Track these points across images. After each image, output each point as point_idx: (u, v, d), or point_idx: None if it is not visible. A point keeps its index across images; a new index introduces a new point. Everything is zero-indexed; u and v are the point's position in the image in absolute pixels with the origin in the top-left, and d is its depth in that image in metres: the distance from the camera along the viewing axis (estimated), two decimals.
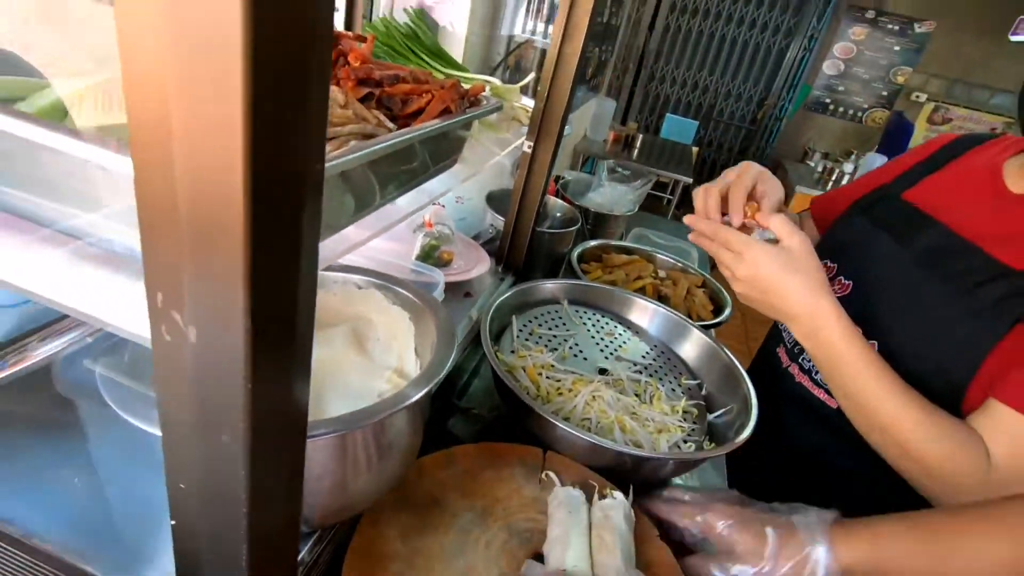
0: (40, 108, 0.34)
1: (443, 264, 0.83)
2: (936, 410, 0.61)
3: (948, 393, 0.64)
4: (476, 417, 0.80)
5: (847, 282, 0.78)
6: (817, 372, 0.77)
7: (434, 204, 0.88)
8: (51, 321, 0.62)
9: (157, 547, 0.43)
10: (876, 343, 0.69)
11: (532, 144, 0.87)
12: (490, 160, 0.72)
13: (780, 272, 0.63)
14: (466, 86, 0.65)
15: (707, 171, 5.33)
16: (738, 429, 0.71)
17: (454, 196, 1.13)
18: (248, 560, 0.32)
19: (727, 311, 1.03)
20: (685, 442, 0.72)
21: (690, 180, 3.38)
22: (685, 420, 0.75)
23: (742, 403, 0.76)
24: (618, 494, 0.59)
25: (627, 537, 0.55)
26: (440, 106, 0.56)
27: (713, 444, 0.74)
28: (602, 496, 0.59)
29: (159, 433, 0.38)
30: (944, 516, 0.53)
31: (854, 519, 0.54)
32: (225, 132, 0.19)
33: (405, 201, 0.56)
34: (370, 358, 0.56)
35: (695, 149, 4.22)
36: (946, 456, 0.59)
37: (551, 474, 0.62)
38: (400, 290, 0.58)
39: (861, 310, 0.70)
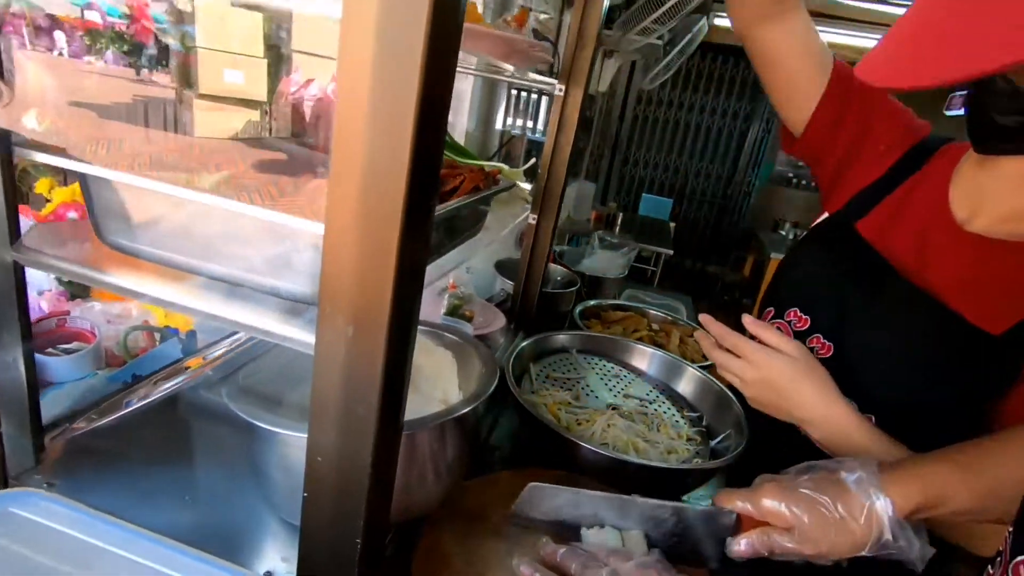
0: (212, 184, 0.47)
1: (466, 320, 0.95)
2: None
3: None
4: (504, 457, 0.88)
5: (827, 343, 0.76)
6: None
7: (464, 265, 1.01)
8: (126, 386, 0.72)
9: (263, 538, 0.52)
10: (872, 418, 0.68)
11: (536, 217, 1.02)
12: (506, 229, 0.86)
13: (791, 378, 0.66)
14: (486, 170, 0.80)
15: (685, 245, 5.60)
16: (734, 449, 0.80)
17: (464, 267, 1.27)
18: (364, 525, 0.41)
19: None
20: (692, 461, 0.81)
21: (671, 252, 3.59)
22: (690, 444, 0.85)
23: (736, 427, 0.86)
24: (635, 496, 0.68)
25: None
26: (471, 185, 0.70)
27: None
28: None
29: (277, 430, 0.48)
30: (973, 449, 0.56)
31: (894, 463, 0.55)
32: (384, 247, 0.32)
33: (445, 261, 0.69)
34: (420, 392, 0.66)
35: (672, 224, 4.50)
36: None
37: None
38: (444, 334, 0.70)
39: (848, 379, 0.69)
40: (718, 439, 0.88)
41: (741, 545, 0.53)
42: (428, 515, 0.61)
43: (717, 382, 0.95)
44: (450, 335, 0.69)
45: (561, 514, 0.56)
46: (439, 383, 0.67)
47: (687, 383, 0.99)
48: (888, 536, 0.50)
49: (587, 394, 0.92)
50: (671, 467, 0.73)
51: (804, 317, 0.81)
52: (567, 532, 0.57)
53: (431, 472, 0.55)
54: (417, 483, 0.55)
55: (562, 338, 1.01)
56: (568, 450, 0.74)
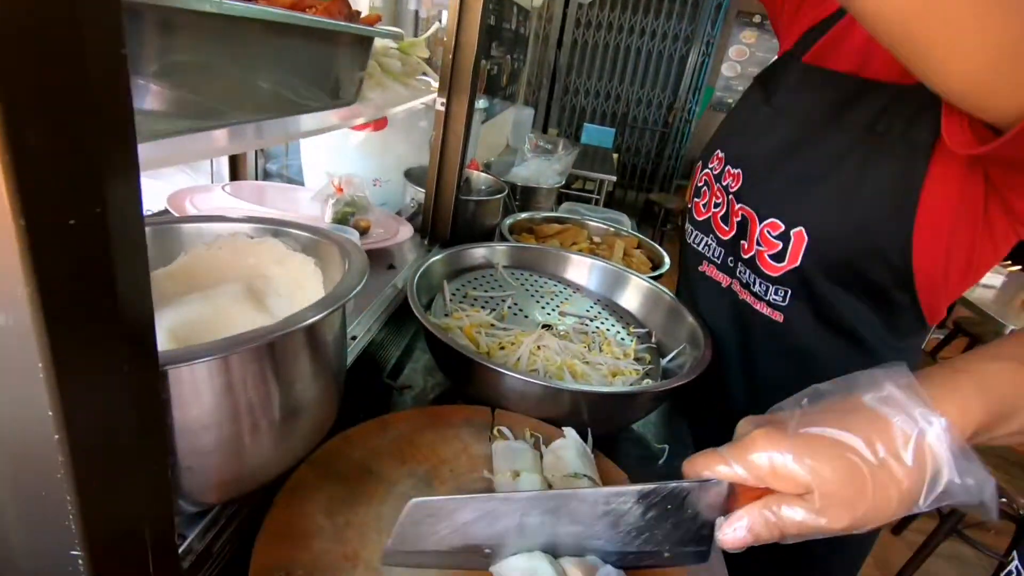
0: None
1: (360, 233, 0.75)
2: None
3: (889, 276, 0.59)
4: (415, 398, 0.72)
5: (735, 171, 0.69)
6: (756, 284, 0.69)
7: (372, 179, 0.80)
8: None
9: None
10: (804, 229, 0.61)
11: (444, 101, 0.81)
12: (396, 104, 0.66)
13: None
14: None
15: (628, 174, 5.49)
16: (693, 364, 0.66)
17: (371, 180, 1.06)
18: (85, 525, 0.23)
19: (666, 265, 1.01)
20: (642, 383, 0.67)
21: (614, 178, 3.44)
22: (639, 364, 0.71)
23: (691, 341, 0.72)
24: (569, 431, 0.53)
25: (587, 473, 0.49)
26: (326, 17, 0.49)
27: None
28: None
29: None
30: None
31: (930, 369, 0.38)
32: None
33: (298, 126, 0.48)
34: (271, 314, 0.47)
35: (615, 155, 4.34)
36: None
37: (503, 429, 0.55)
38: (300, 233, 0.50)
39: (759, 203, 0.64)
40: (670, 356, 0.74)
41: (737, 531, 0.34)
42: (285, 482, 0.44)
43: (667, 292, 0.81)
44: (310, 234, 0.50)
45: (468, 537, 0.35)
46: (298, 298, 0.48)
47: (633, 296, 0.84)
48: (952, 476, 0.32)
49: (515, 314, 0.76)
50: (616, 391, 0.59)
51: (720, 156, 0.73)
52: (473, 559, 0.37)
53: (273, 416, 0.37)
54: (250, 435, 0.37)
55: (483, 251, 0.83)
56: (488, 381, 0.58)
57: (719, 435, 0.69)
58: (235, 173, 0.96)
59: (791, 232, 0.62)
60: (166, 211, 0.77)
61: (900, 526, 2.08)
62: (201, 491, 0.35)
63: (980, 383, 0.36)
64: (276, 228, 0.50)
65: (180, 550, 0.34)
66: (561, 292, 0.83)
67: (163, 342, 0.40)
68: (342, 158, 1.04)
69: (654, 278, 0.96)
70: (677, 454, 0.68)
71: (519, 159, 1.24)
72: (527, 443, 0.53)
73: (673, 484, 0.35)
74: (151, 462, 0.27)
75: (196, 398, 0.33)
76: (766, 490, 0.34)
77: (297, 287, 0.49)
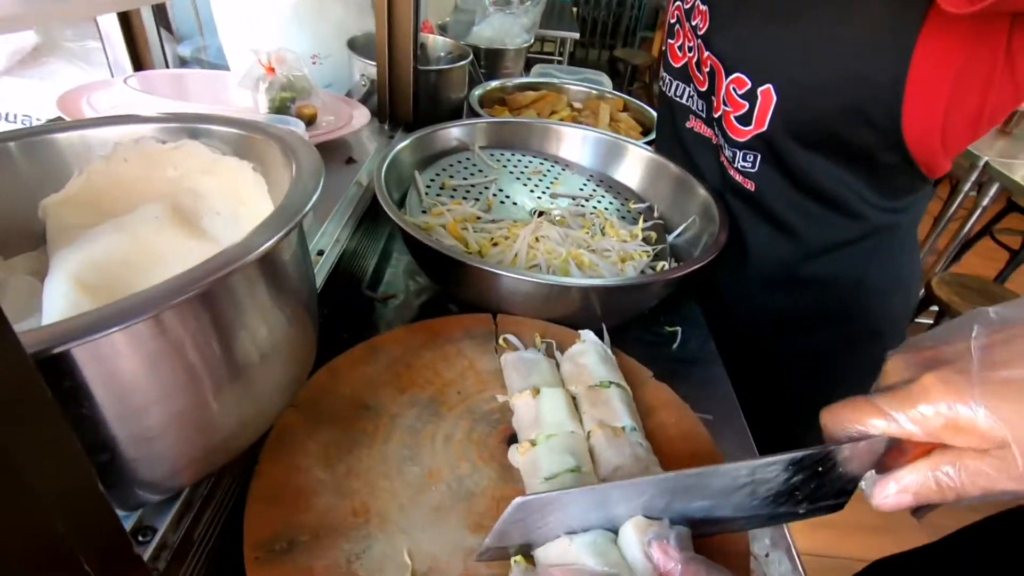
0: None
1: (305, 123, 0.62)
2: None
3: (873, 137, 0.52)
4: (401, 307, 0.64)
5: (703, 8, 0.60)
6: (726, 148, 0.62)
7: (311, 56, 0.64)
8: None
9: None
10: (773, 87, 0.53)
11: None
12: None
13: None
14: None
15: (589, 30, 5.07)
16: (708, 241, 0.60)
17: (309, 56, 0.89)
18: None
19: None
20: (652, 268, 0.60)
21: (577, 35, 3.15)
22: (646, 245, 0.63)
23: (703, 211, 0.65)
24: (587, 334, 0.47)
25: (613, 380, 0.43)
26: None
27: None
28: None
29: None
30: None
31: None
32: None
33: None
34: (209, 238, 0.37)
35: (574, 8, 3.93)
36: None
37: (510, 338, 0.49)
38: (225, 129, 0.38)
39: (724, 50, 0.56)
40: (677, 232, 0.67)
41: (897, 495, 0.28)
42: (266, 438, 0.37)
43: (669, 162, 0.71)
44: (238, 130, 0.38)
45: (582, 523, 0.31)
46: (242, 215, 0.38)
47: (630, 167, 0.74)
48: None
49: (501, 202, 0.66)
50: (633, 282, 0.52)
51: None
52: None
53: (224, 382, 0.29)
54: (209, 405, 0.29)
55: (456, 132, 0.71)
56: (484, 284, 0.50)
57: (715, 307, 0.61)
58: (139, 64, 0.79)
59: (758, 90, 0.54)
60: (59, 119, 0.62)
61: None
62: (161, 479, 0.28)
63: None
64: (191, 126, 0.38)
65: (151, 548, 0.28)
66: (549, 171, 0.73)
67: (67, 295, 0.30)
68: (270, 32, 0.86)
69: (652, 140, 0.86)
70: (690, 336, 0.63)
71: (479, 16, 1.06)
72: (539, 351, 0.47)
73: (831, 447, 0.28)
74: (60, 471, 0.19)
75: (124, 375, 0.24)
76: (930, 444, 0.28)
77: (237, 201, 0.39)
